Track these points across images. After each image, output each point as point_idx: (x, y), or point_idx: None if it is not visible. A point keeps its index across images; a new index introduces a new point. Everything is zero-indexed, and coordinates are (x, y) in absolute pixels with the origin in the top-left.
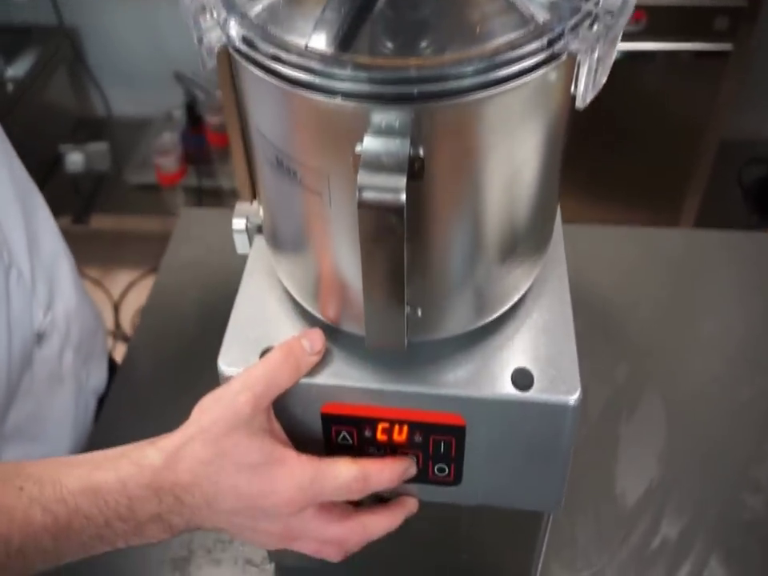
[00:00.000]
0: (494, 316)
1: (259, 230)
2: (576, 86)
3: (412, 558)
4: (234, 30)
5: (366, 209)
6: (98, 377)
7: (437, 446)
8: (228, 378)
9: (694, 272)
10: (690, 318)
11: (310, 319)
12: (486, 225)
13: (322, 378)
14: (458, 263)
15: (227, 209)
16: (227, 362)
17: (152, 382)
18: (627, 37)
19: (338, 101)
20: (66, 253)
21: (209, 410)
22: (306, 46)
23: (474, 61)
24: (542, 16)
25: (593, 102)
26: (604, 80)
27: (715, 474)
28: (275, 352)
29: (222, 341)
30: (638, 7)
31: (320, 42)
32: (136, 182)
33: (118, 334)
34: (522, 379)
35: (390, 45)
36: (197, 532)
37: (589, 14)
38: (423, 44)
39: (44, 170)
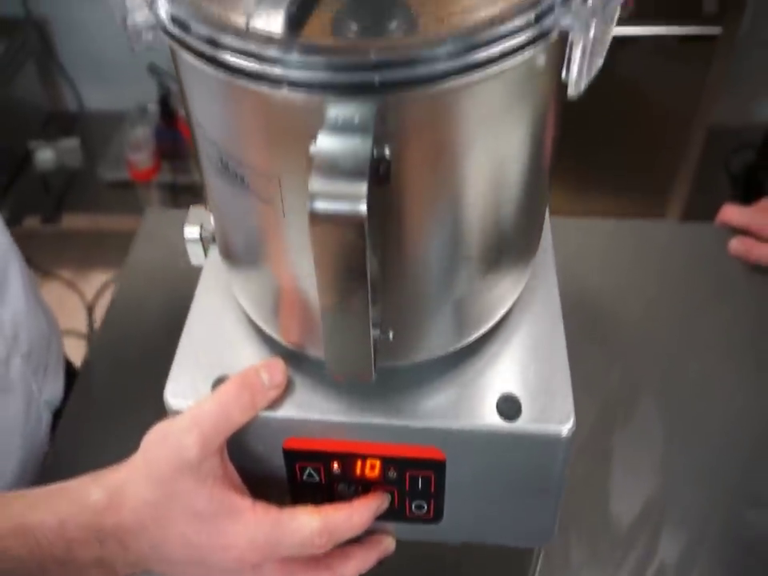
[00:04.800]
0: (477, 335)
1: (215, 238)
2: (568, 70)
3: None
4: (163, 8)
5: (319, 222)
6: (53, 390)
7: (414, 481)
8: (176, 412)
9: (684, 267)
10: (683, 315)
11: (269, 343)
12: (465, 234)
13: (283, 411)
14: (434, 278)
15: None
16: (175, 393)
17: (112, 394)
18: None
19: (285, 92)
20: (16, 255)
21: (155, 447)
22: (247, 26)
23: (448, 40)
24: None
25: None
26: (600, 62)
27: (714, 488)
28: (228, 385)
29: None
30: None
31: (264, 21)
32: (109, 179)
33: (92, 336)
34: (509, 407)
35: (348, 25)
36: None
37: None
38: (387, 21)
39: (13, 168)
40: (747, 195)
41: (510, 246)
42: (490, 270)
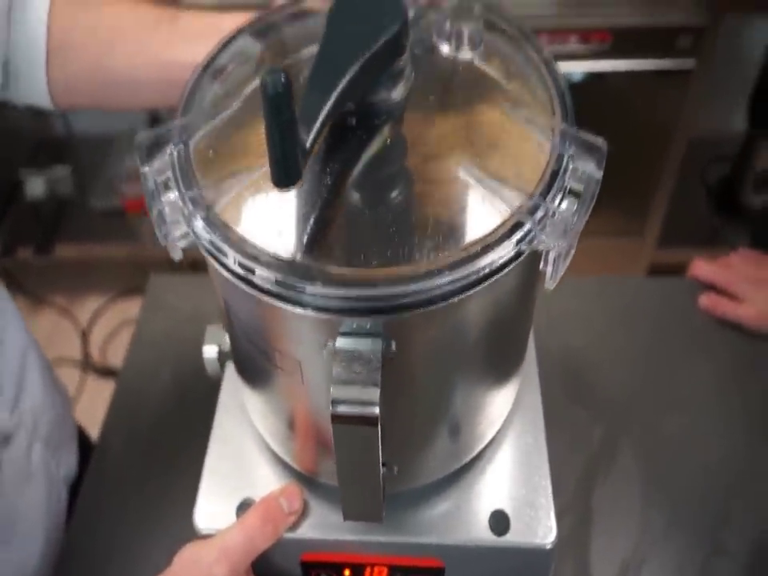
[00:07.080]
0: (470, 457)
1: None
2: (545, 264)
3: None
4: (199, 228)
5: (340, 421)
6: (68, 463)
7: None
8: (204, 536)
9: (658, 323)
10: (660, 372)
11: (286, 465)
12: (461, 392)
13: (301, 532)
14: (433, 426)
15: (199, 275)
16: (202, 518)
17: (127, 469)
18: (593, 56)
19: (308, 311)
20: (33, 346)
21: (187, 570)
22: (276, 259)
23: (444, 275)
24: (500, 208)
25: None
26: (573, 250)
27: (689, 539)
28: (252, 516)
29: (197, 422)
30: (603, 28)
31: (287, 242)
32: (101, 207)
33: (87, 364)
34: (499, 524)
35: (356, 249)
36: None
37: (548, 211)
38: (389, 248)
39: (3, 199)
40: (721, 209)
41: (500, 389)
42: (484, 406)
